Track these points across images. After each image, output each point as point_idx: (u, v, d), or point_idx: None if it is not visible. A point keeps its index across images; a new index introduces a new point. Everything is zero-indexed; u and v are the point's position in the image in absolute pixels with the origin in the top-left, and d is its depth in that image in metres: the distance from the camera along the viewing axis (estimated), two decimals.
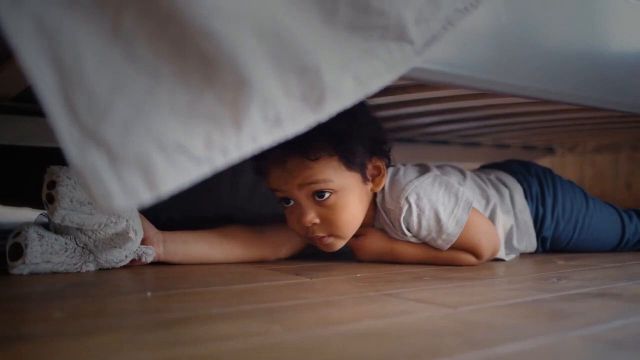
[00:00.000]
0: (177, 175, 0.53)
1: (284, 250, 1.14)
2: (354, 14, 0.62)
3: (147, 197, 0.52)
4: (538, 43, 0.94)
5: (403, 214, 1.06)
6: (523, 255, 1.25)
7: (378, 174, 1.09)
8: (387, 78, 0.65)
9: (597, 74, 1.07)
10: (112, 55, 0.51)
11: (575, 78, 1.04)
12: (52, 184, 0.89)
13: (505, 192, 1.23)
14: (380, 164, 1.08)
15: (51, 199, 0.89)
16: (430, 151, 1.81)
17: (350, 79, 0.62)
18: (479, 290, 0.85)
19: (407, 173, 1.11)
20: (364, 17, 0.63)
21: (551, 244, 1.28)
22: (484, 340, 0.58)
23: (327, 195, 1.02)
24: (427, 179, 1.08)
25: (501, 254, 1.16)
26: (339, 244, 1.07)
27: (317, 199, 1.02)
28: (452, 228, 1.05)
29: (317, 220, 1.04)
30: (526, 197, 1.25)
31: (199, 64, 0.54)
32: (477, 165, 1.51)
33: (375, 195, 1.11)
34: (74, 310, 0.68)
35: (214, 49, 0.53)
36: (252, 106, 0.56)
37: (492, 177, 1.28)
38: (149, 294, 0.77)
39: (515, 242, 1.21)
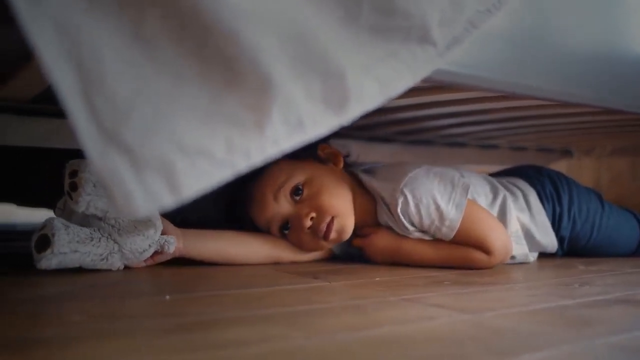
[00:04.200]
0: (198, 179, 0.52)
1: (303, 254, 1.14)
2: (378, 16, 0.61)
3: (169, 201, 0.51)
4: (559, 45, 0.93)
5: (399, 206, 1.06)
6: (542, 259, 1.23)
7: (331, 153, 1.15)
8: (409, 81, 0.64)
9: (618, 76, 1.06)
10: (134, 57, 0.50)
11: (596, 80, 1.03)
12: (74, 173, 0.89)
13: (519, 193, 1.22)
14: (325, 145, 1.15)
15: (74, 187, 0.88)
16: (447, 153, 1.80)
17: (373, 82, 0.61)
18: (500, 295, 0.84)
19: (401, 167, 1.13)
20: (388, 19, 0.62)
21: (569, 245, 1.26)
22: (509, 348, 0.57)
23: (301, 188, 1.06)
24: (420, 170, 1.10)
25: (522, 250, 1.15)
26: (347, 223, 1.08)
27: (297, 197, 1.06)
28: (454, 213, 1.05)
29: (313, 214, 1.05)
30: (541, 199, 1.23)
31: (221, 66, 0.53)
32: (493, 168, 1.50)
33: (354, 175, 1.16)
34: (92, 312, 0.68)
35: (236, 50, 0.52)
36: (275, 109, 0.55)
37: (504, 180, 1.27)
38: (167, 297, 0.77)
39: (537, 237, 1.19)
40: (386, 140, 1.68)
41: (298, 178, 1.07)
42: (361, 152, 1.31)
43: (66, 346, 0.53)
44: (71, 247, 0.87)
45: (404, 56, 0.64)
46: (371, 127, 1.50)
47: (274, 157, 0.57)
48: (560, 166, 2.02)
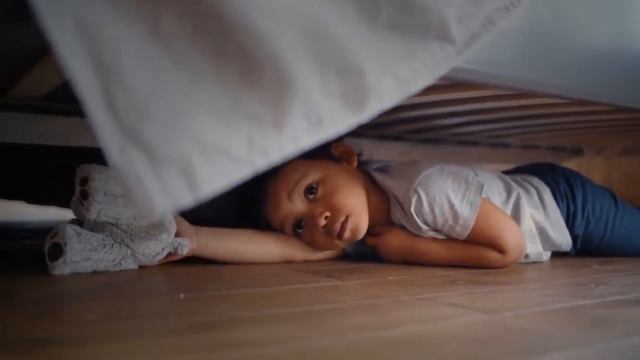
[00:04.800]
0: (217, 177, 0.52)
1: (316, 252, 1.13)
2: (396, 13, 0.61)
3: (187, 199, 0.51)
4: (575, 42, 0.92)
5: (413, 205, 1.05)
6: (555, 258, 1.22)
7: (345, 151, 1.15)
8: (428, 78, 0.63)
9: (633, 74, 1.05)
10: (153, 54, 0.50)
11: (612, 78, 1.02)
12: (84, 180, 0.89)
13: (533, 191, 1.21)
14: (339, 144, 1.15)
15: (85, 195, 0.88)
16: (458, 152, 1.79)
17: (392, 80, 0.61)
18: (516, 295, 0.84)
19: (415, 165, 1.12)
20: (406, 16, 0.61)
21: (582, 243, 1.25)
22: (529, 349, 0.56)
23: (315, 187, 1.06)
24: (434, 168, 1.09)
25: (536, 249, 1.14)
26: (361, 222, 1.07)
27: (311, 196, 1.06)
28: (467, 212, 1.04)
29: (327, 213, 1.05)
30: (555, 197, 1.22)
31: (240, 62, 0.52)
32: (505, 166, 1.49)
33: (367, 174, 1.15)
34: (106, 311, 0.68)
35: (255, 47, 0.52)
36: (294, 106, 0.54)
37: (518, 178, 1.26)
38: (181, 295, 0.76)
39: (552, 235, 1.18)
40: (396, 138, 1.67)
41: (312, 177, 1.06)
42: (371, 150, 1.29)
43: (80, 346, 0.53)
44: (83, 256, 0.87)
45: (422, 54, 0.63)
46: (382, 125, 1.49)
47: (292, 156, 0.57)
48: (571, 165, 2.00)
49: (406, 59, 0.62)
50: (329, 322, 0.64)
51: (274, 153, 0.55)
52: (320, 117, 0.56)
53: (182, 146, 0.50)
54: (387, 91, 0.60)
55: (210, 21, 0.51)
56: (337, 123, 0.58)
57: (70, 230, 0.87)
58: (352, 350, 0.54)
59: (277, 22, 0.53)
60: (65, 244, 0.85)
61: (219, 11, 0.50)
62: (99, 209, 0.87)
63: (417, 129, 1.58)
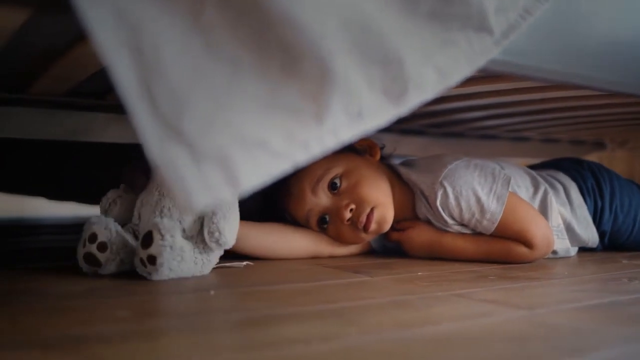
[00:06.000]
0: (257, 171, 0.51)
1: (342, 248, 1.12)
2: (436, 3, 0.59)
3: (227, 194, 0.50)
4: (604, 33, 0.90)
5: (439, 199, 1.04)
6: (582, 254, 1.21)
7: (368, 144, 1.14)
8: (467, 69, 0.62)
9: None
10: (192, 46, 0.49)
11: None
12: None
13: (559, 187, 1.20)
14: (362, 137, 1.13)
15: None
16: (478, 146, 1.77)
17: (432, 71, 0.59)
18: (549, 290, 0.82)
19: (440, 159, 1.11)
20: (446, 5, 0.60)
21: (609, 239, 1.24)
22: (573, 347, 0.55)
23: (338, 181, 1.05)
24: (460, 162, 1.08)
25: (564, 245, 1.13)
26: (387, 213, 1.05)
27: (334, 191, 1.05)
28: (495, 206, 1.03)
29: (352, 205, 1.04)
30: (582, 193, 1.21)
31: (281, 54, 0.51)
32: (525, 160, 1.47)
33: (391, 168, 1.14)
34: (138, 308, 0.67)
35: (297, 38, 0.50)
36: (335, 99, 0.53)
37: (544, 174, 1.24)
38: (211, 292, 0.76)
39: (579, 232, 1.16)
40: (417, 132, 1.65)
41: (336, 170, 1.05)
42: (392, 144, 1.28)
43: (118, 344, 0.52)
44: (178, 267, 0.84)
45: (461, 44, 0.62)
46: (403, 119, 1.48)
47: (332, 149, 0.56)
48: (592, 158, 1.97)
49: (446, 49, 0.61)
50: (366, 319, 0.63)
51: (314, 147, 0.53)
52: (360, 109, 0.55)
53: (222, 140, 0.49)
54: (428, 82, 0.59)
55: (251, 12, 0.50)
56: (377, 116, 0.56)
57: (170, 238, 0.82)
58: (395, 349, 0.52)
59: (318, 13, 0.51)
60: (162, 264, 0.80)
61: (260, 1, 0.49)
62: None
63: (437, 123, 1.57)
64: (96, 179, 1.42)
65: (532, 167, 1.35)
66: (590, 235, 1.18)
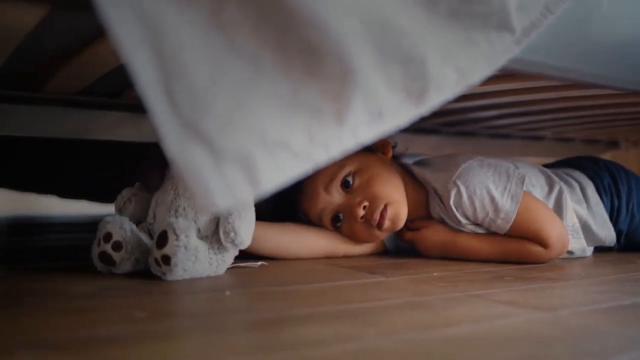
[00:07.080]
0: (277, 172, 0.50)
1: (356, 247, 1.11)
2: (456, 2, 0.58)
3: (247, 194, 0.49)
4: (629, 33, 0.89)
5: (452, 198, 1.04)
6: (597, 254, 1.20)
7: (380, 142, 1.13)
8: (488, 69, 0.61)
9: None
10: (213, 45, 0.48)
11: None
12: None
13: (576, 185, 1.18)
14: None
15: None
16: (491, 145, 1.77)
17: (453, 71, 0.58)
18: (568, 292, 0.82)
19: (454, 158, 1.10)
20: (467, 4, 0.59)
21: (626, 239, 1.22)
22: (596, 349, 0.54)
23: (351, 179, 1.04)
24: (474, 161, 1.07)
25: (580, 244, 1.12)
26: (401, 210, 1.05)
27: (347, 189, 1.04)
28: (509, 205, 1.02)
29: (366, 202, 1.03)
30: (599, 192, 1.19)
31: (302, 54, 0.51)
32: (538, 159, 1.46)
33: (405, 167, 1.14)
34: (154, 309, 0.66)
35: (318, 38, 0.50)
36: (356, 99, 0.52)
37: (560, 172, 1.23)
38: (227, 292, 0.75)
39: (595, 230, 1.15)
40: (430, 131, 1.64)
41: (349, 168, 1.05)
42: (405, 143, 1.27)
43: (134, 345, 0.51)
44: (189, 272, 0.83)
45: (482, 44, 0.61)
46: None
47: (352, 149, 0.55)
48: (606, 157, 1.96)
49: (467, 48, 0.60)
50: (383, 320, 0.62)
51: (334, 147, 0.53)
52: (381, 109, 0.54)
53: (242, 139, 0.49)
54: (448, 82, 0.58)
55: (272, 11, 0.49)
56: (398, 115, 0.56)
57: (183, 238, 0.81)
58: (415, 351, 0.52)
59: (339, 13, 0.51)
60: (176, 264, 0.80)
61: (281, 1, 0.49)
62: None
63: (451, 121, 1.56)
64: (108, 178, 1.42)
65: (549, 165, 1.34)
66: (607, 233, 1.17)
